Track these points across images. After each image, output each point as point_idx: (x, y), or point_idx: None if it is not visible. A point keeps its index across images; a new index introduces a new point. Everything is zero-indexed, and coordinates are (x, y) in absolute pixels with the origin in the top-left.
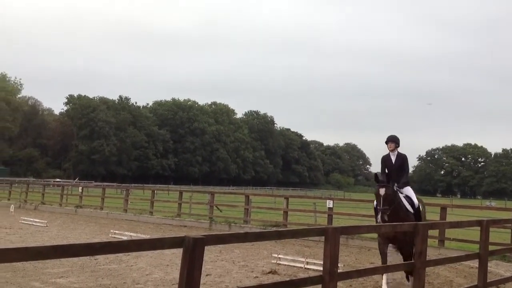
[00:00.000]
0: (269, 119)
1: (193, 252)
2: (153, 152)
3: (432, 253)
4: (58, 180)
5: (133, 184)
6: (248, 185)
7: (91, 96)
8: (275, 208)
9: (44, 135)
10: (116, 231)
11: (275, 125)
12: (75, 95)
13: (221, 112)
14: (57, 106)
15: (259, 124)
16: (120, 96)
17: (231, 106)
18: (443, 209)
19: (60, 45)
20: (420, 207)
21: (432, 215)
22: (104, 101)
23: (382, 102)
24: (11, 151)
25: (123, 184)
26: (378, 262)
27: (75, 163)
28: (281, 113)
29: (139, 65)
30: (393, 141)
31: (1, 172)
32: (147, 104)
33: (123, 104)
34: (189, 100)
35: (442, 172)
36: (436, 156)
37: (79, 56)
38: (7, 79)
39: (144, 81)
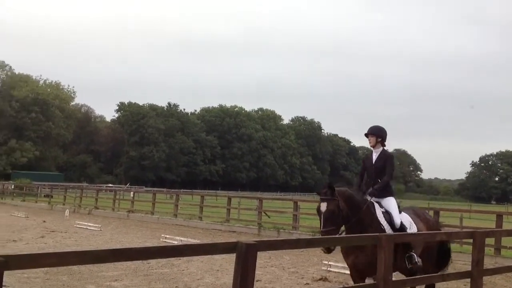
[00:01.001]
0: (316, 124)
1: (245, 257)
2: (201, 158)
3: (488, 262)
4: (110, 185)
5: (182, 190)
6: (295, 191)
7: (141, 103)
8: None
9: (97, 141)
10: (167, 236)
11: (322, 130)
12: (126, 103)
13: (267, 118)
14: (109, 113)
15: (306, 130)
16: (168, 103)
17: (278, 112)
18: (499, 216)
19: (111, 54)
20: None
21: (487, 223)
22: (153, 108)
23: (432, 107)
24: (66, 157)
25: (173, 190)
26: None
27: (126, 169)
28: (328, 119)
29: (187, 73)
30: (373, 133)
31: (57, 177)
32: (195, 110)
33: (172, 110)
34: (236, 106)
35: (497, 179)
36: (490, 162)
37: (129, 64)
38: (61, 87)
39: (192, 88)
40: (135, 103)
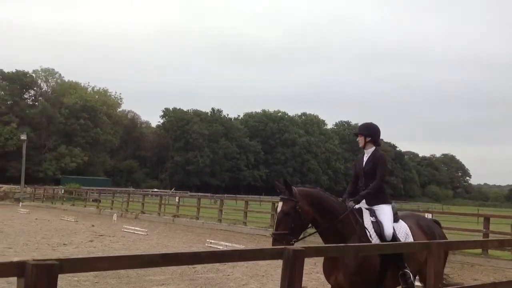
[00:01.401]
0: None
1: (293, 263)
2: (244, 163)
3: None
4: (155, 190)
5: (226, 195)
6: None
7: (185, 109)
8: None
9: (143, 147)
10: (212, 241)
11: None
12: (170, 108)
13: (311, 123)
14: (154, 119)
15: (351, 135)
16: (212, 109)
17: (321, 116)
18: None
19: (156, 60)
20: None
21: None
22: (197, 113)
23: (482, 111)
24: (113, 162)
25: (217, 195)
26: (482, 279)
27: (171, 174)
28: None
29: (230, 78)
30: (361, 133)
31: (104, 182)
32: (238, 116)
33: (216, 116)
34: (279, 111)
35: None
36: None
37: (174, 70)
38: (108, 94)
39: (235, 93)
40: (179, 109)
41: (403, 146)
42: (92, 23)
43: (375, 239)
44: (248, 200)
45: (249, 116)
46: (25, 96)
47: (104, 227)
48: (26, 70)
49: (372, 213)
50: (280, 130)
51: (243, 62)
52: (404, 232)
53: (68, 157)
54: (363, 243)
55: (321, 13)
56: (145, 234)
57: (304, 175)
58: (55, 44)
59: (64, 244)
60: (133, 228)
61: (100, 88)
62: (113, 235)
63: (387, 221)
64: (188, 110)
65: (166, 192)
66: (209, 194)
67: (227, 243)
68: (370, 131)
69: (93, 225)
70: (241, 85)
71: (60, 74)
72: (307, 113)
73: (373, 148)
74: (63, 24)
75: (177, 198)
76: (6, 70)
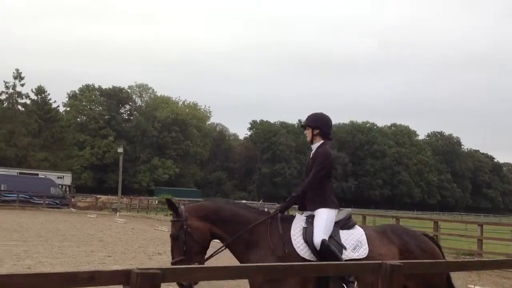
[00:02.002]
0: (455, 140)
1: (391, 279)
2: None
3: None
4: (244, 201)
5: None
6: (433, 210)
7: (272, 121)
8: (467, 236)
9: (231, 158)
10: None
11: (462, 146)
12: (258, 121)
13: (401, 134)
14: (242, 131)
15: (444, 146)
16: (299, 120)
17: (412, 127)
18: None
19: (243, 73)
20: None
21: None
22: (284, 125)
23: None
24: (203, 174)
25: None
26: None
27: (259, 185)
28: (467, 134)
29: (316, 89)
30: (309, 125)
31: (195, 193)
32: None
33: None
34: (367, 122)
35: None
36: None
37: (261, 83)
38: (198, 107)
39: (322, 104)
40: (266, 121)
41: (501, 158)
42: (181, 38)
43: (301, 249)
44: None
45: (336, 128)
46: (121, 110)
47: None
48: (122, 86)
49: (310, 219)
50: (369, 141)
51: (328, 72)
52: (355, 240)
53: (160, 169)
54: (275, 255)
55: (408, 18)
56: None
57: (394, 187)
58: (148, 60)
59: (159, 253)
60: None
61: (190, 102)
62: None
63: (319, 227)
64: (275, 122)
65: (254, 203)
66: (297, 206)
67: None
68: (318, 123)
69: None
70: (327, 96)
71: (153, 89)
72: (397, 123)
73: (321, 142)
74: (155, 40)
75: (265, 210)
76: (103, 86)
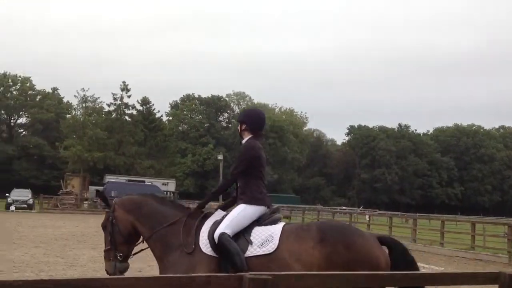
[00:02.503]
0: None
1: None
2: (436, 180)
3: None
4: (343, 208)
5: (418, 214)
6: None
7: (370, 126)
8: None
9: (329, 164)
10: None
11: None
12: (356, 126)
13: (511, 136)
14: (339, 136)
15: None
16: (399, 124)
17: None
18: None
19: (339, 79)
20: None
21: None
22: (383, 130)
23: None
24: (301, 180)
25: (408, 213)
26: None
27: (358, 191)
28: None
29: (415, 92)
30: (238, 119)
31: (293, 199)
32: (427, 131)
33: (403, 132)
34: (473, 125)
35: None
36: None
37: (358, 87)
38: (294, 113)
39: (422, 107)
40: (364, 125)
41: None
42: (276, 46)
43: (204, 244)
44: (443, 219)
45: (439, 131)
46: (220, 118)
47: None
48: (220, 95)
49: (226, 215)
50: (475, 145)
51: (427, 74)
52: (266, 236)
53: None
54: (184, 252)
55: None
56: None
57: (505, 193)
58: (244, 69)
59: None
60: None
61: (286, 108)
62: None
63: (225, 222)
64: (373, 126)
65: (354, 210)
66: (399, 213)
67: (424, 265)
68: (245, 118)
69: None
70: (427, 98)
71: (250, 97)
72: (506, 126)
73: (248, 137)
74: (252, 49)
75: (367, 216)
76: (203, 95)
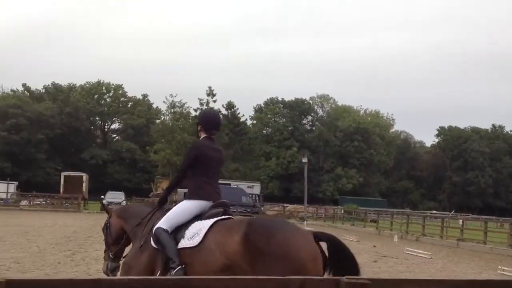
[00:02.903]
0: None
1: None
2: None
3: None
4: (434, 212)
5: None
6: None
7: (461, 127)
8: None
9: (417, 167)
10: (505, 268)
11: None
12: (446, 127)
13: None
14: (428, 138)
15: None
16: (493, 125)
17: None
18: None
19: (427, 79)
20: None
21: None
22: (476, 131)
23: None
24: (388, 183)
25: (504, 218)
26: None
27: (449, 195)
28: None
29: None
30: (197, 121)
31: (380, 203)
32: None
33: (497, 132)
34: None
35: None
36: None
37: (446, 87)
38: (380, 115)
39: None
40: (455, 126)
41: None
42: (357, 48)
43: (151, 238)
44: None
45: None
46: (304, 121)
47: (385, 248)
48: (303, 98)
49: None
50: None
51: None
52: (197, 229)
53: (344, 178)
54: (138, 247)
55: None
56: (429, 257)
57: None
58: (329, 73)
59: None
60: (415, 250)
61: (372, 110)
62: (396, 257)
63: (165, 216)
64: (465, 127)
65: (445, 214)
66: (494, 217)
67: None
68: (200, 119)
69: (374, 246)
70: None
71: (334, 99)
72: None
73: (202, 136)
74: (336, 51)
75: (460, 221)
76: (286, 98)
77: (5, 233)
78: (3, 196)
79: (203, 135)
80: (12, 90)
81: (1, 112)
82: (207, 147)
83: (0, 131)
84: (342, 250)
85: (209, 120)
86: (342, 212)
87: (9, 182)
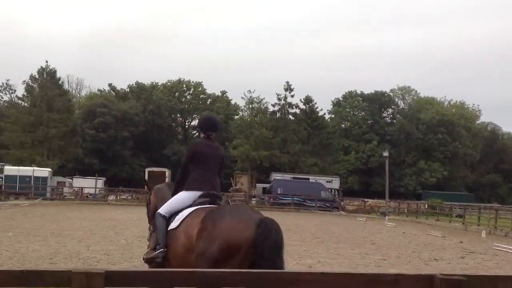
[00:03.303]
0: None
1: None
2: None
3: None
4: None
5: None
6: None
7: None
8: None
9: (505, 160)
10: None
11: None
12: None
13: None
14: None
15: None
16: None
17: None
18: None
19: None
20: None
21: None
22: None
23: None
24: (474, 177)
25: None
26: None
27: None
28: None
29: None
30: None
31: (466, 197)
32: None
33: None
34: None
35: None
36: None
37: None
38: (466, 106)
39: None
40: None
41: None
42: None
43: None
44: None
45: None
46: (384, 114)
47: (472, 244)
48: (383, 90)
49: None
50: None
51: None
52: (181, 215)
53: (427, 172)
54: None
55: None
56: None
57: None
58: (409, 62)
59: (435, 259)
60: (505, 246)
61: (456, 102)
62: (484, 253)
63: (165, 204)
64: None
65: None
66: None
67: None
68: (198, 123)
69: (461, 242)
70: None
71: (416, 91)
72: None
73: (201, 138)
74: (417, 41)
75: None
76: (365, 91)
77: (95, 227)
78: (92, 191)
79: (202, 136)
80: (99, 90)
81: (90, 111)
82: (203, 145)
83: (88, 129)
84: (272, 240)
85: (205, 123)
86: (426, 206)
87: (97, 178)
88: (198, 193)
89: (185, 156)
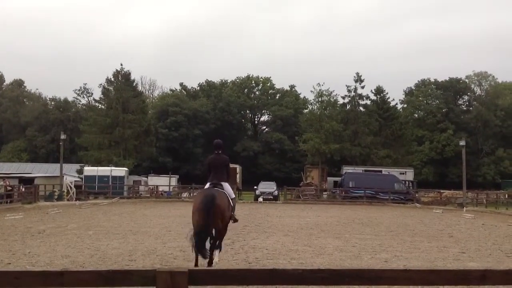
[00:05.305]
0: None
1: None
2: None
3: None
4: None
5: None
6: None
7: None
8: None
9: None
10: None
11: None
12: None
13: None
14: None
15: None
16: None
17: None
18: None
19: None
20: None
21: None
22: None
23: None
24: None
25: None
26: None
27: None
28: None
29: None
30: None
31: None
32: None
33: None
34: None
35: None
36: None
37: None
38: None
39: None
40: None
41: None
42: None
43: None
44: None
45: None
46: (459, 102)
47: None
48: (458, 77)
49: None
50: None
51: None
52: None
53: (506, 161)
54: None
55: None
56: None
57: None
58: (485, 47)
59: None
60: None
61: None
62: None
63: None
64: None
65: None
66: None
67: None
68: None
69: None
70: None
71: (493, 77)
72: None
73: (213, 154)
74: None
75: None
76: (439, 79)
77: (170, 224)
78: (166, 188)
79: (214, 152)
80: (171, 90)
81: (162, 111)
82: (213, 158)
83: (161, 128)
84: (206, 202)
85: (214, 145)
86: (506, 196)
87: (171, 175)
88: (208, 185)
89: (205, 165)
